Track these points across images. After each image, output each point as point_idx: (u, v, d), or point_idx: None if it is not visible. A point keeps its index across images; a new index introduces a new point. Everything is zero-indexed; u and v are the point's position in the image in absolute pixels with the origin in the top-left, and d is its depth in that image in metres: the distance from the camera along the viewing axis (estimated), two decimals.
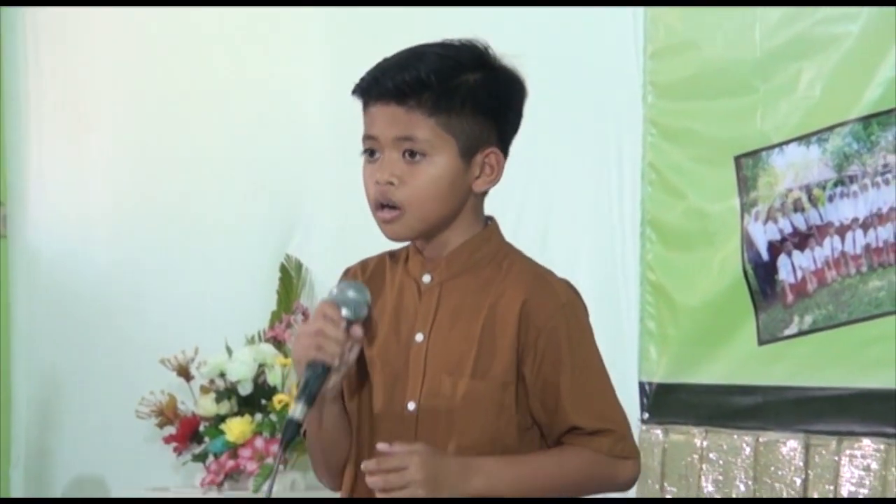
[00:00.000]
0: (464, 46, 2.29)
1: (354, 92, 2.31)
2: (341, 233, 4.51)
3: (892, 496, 3.47)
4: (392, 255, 2.38)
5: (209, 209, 4.80)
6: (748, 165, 3.73)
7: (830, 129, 3.60)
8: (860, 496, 3.51)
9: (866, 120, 3.56)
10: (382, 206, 2.27)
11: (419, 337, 2.31)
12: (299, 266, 4.60)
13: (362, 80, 2.29)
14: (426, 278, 2.33)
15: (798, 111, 3.65)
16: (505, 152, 2.32)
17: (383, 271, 2.37)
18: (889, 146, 3.53)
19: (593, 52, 4.02)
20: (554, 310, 2.26)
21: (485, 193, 2.34)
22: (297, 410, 2.20)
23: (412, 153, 2.25)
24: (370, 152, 2.30)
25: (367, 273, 2.39)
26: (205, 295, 4.77)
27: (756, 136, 3.71)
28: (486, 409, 2.26)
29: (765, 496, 3.65)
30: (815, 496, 3.58)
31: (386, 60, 2.29)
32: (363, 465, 2.20)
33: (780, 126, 3.68)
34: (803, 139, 3.65)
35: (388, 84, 2.25)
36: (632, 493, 2.74)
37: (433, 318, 2.30)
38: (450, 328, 2.29)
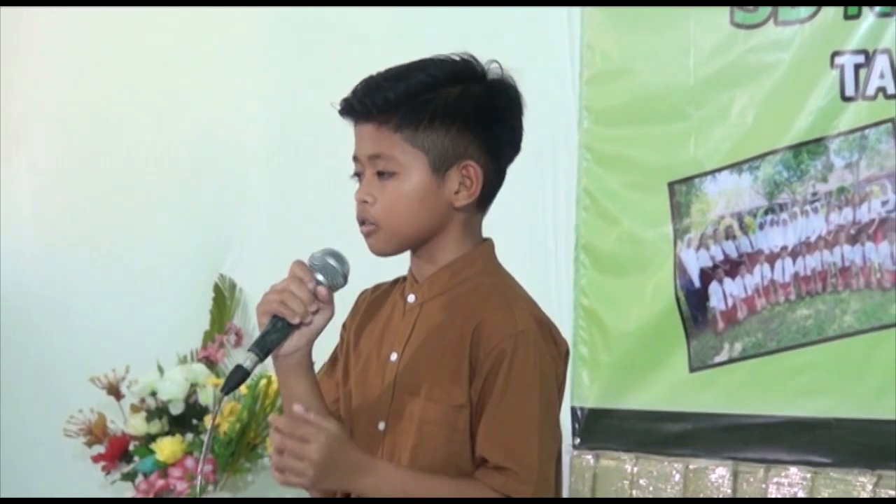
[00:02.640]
0: (447, 62, 2.29)
1: (340, 114, 2.31)
2: (276, 253, 4.47)
3: None
4: (402, 279, 2.39)
5: (142, 228, 4.77)
6: (681, 192, 3.75)
7: (762, 156, 3.64)
8: None
9: (797, 148, 3.59)
10: (362, 225, 2.29)
11: (394, 356, 2.31)
12: (233, 286, 4.57)
13: (342, 101, 2.30)
14: (411, 298, 2.33)
15: (730, 139, 3.68)
16: (495, 166, 2.31)
17: (388, 294, 2.39)
18: (818, 175, 3.57)
19: (529, 77, 4.01)
20: (505, 335, 2.21)
21: (478, 209, 2.33)
22: (247, 359, 2.18)
23: (382, 171, 2.26)
24: (356, 174, 2.32)
25: (376, 295, 2.42)
26: (137, 313, 4.74)
27: (689, 163, 3.74)
28: (440, 432, 2.23)
29: None
30: None
31: (364, 81, 2.29)
32: (270, 418, 2.21)
33: (712, 153, 3.70)
34: (735, 167, 3.67)
35: (357, 106, 2.27)
36: None
37: (408, 338, 2.30)
38: (418, 349, 2.28)
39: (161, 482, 4.27)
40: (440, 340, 2.26)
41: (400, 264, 2.39)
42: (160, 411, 4.35)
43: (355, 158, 2.30)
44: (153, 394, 4.35)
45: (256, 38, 4.58)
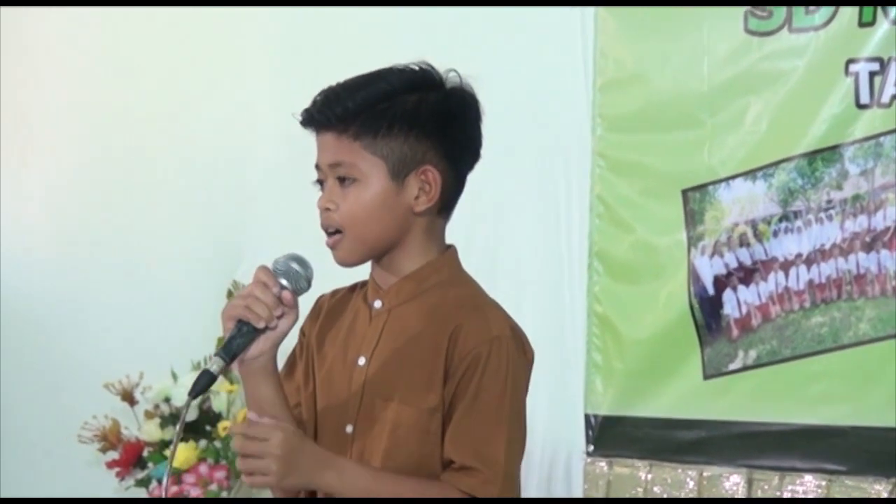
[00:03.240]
0: (403, 70, 2.32)
1: (301, 124, 2.35)
2: None
3: None
4: (361, 284, 2.43)
5: (156, 235, 4.78)
6: (695, 199, 3.75)
7: (776, 164, 3.63)
8: None
9: (811, 156, 3.58)
10: (327, 233, 2.32)
11: (361, 361, 2.33)
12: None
13: (302, 112, 2.34)
14: (377, 304, 2.36)
15: (744, 146, 3.67)
16: (454, 172, 2.34)
17: (348, 299, 2.42)
18: (833, 182, 3.56)
19: (543, 84, 4.03)
20: (480, 340, 2.26)
21: (440, 214, 2.35)
22: (213, 364, 2.21)
23: (343, 178, 2.30)
24: (319, 182, 2.35)
25: (335, 299, 2.45)
26: (151, 320, 4.74)
27: (703, 170, 3.73)
28: (411, 435, 2.27)
29: None
30: None
31: (323, 92, 2.34)
32: (230, 427, 2.25)
33: (726, 160, 3.70)
34: (749, 174, 3.67)
35: (317, 115, 2.31)
36: None
37: (376, 343, 2.33)
38: (389, 354, 2.31)
39: (175, 488, 4.28)
40: (413, 346, 2.30)
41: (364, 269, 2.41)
42: (174, 417, 4.35)
43: (317, 167, 2.34)
44: (167, 400, 4.36)
45: (270, 45, 4.59)
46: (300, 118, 2.33)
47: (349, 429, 2.32)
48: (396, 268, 2.35)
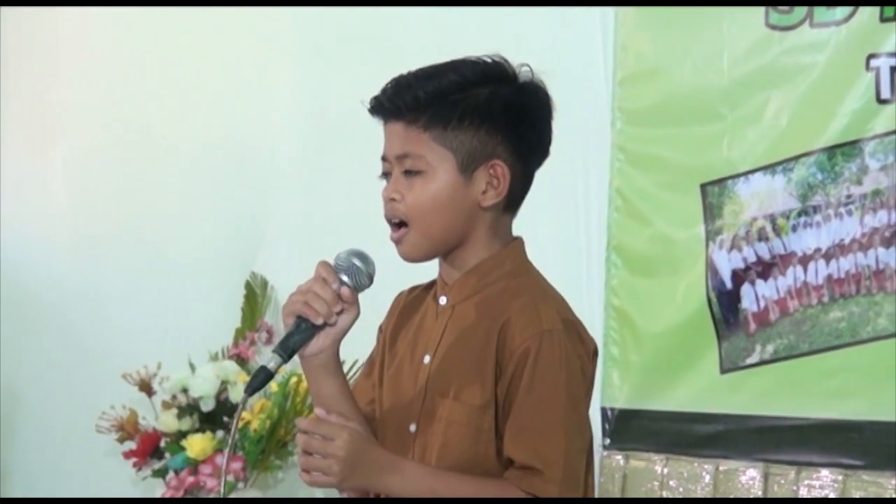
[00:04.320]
0: (476, 62, 2.29)
1: (370, 112, 2.32)
2: (307, 251, 4.48)
3: None
4: (432, 283, 2.40)
5: (175, 226, 4.79)
6: (714, 193, 3.74)
7: (796, 158, 3.62)
8: None
9: (831, 150, 3.57)
10: (392, 225, 2.29)
11: (426, 359, 2.31)
12: (265, 284, 4.58)
13: (371, 100, 2.30)
14: (442, 300, 2.33)
15: (764, 140, 3.66)
16: (523, 168, 2.31)
17: (424, 296, 2.40)
18: (853, 177, 3.55)
19: (563, 77, 4.00)
20: (531, 334, 2.21)
21: (506, 211, 2.32)
22: (271, 360, 2.19)
23: (410, 169, 2.26)
24: (385, 174, 2.32)
25: (412, 296, 2.43)
26: (169, 311, 4.75)
27: (722, 164, 3.73)
28: (465, 432, 2.23)
29: None
30: None
31: (393, 80, 2.30)
32: (297, 420, 2.23)
33: (746, 154, 3.69)
34: (769, 168, 3.66)
35: (387, 104, 2.27)
36: None
37: (439, 340, 2.30)
38: (449, 351, 2.28)
39: (191, 479, 4.29)
40: (469, 342, 2.27)
41: (427, 265, 2.38)
42: (191, 408, 4.37)
43: (384, 158, 2.30)
44: (184, 391, 4.37)
45: (288, 38, 4.60)
46: (369, 105, 2.29)
47: (412, 427, 2.29)
48: (461, 263, 2.31)
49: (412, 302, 2.41)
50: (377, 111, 2.29)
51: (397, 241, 2.28)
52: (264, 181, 4.63)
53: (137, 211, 4.87)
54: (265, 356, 4.50)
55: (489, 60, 2.29)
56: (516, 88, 2.30)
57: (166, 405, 4.40)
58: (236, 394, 4.35)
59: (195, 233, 4.75)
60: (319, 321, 2.20)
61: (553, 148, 4.02)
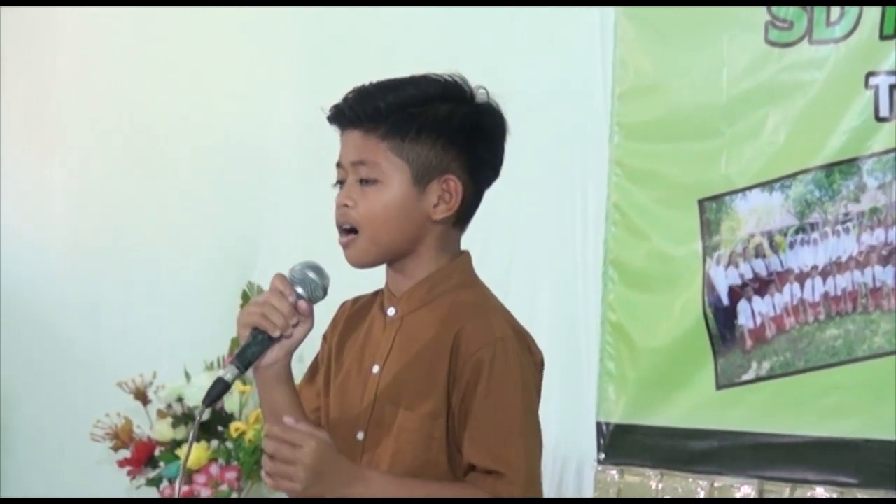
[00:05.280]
0: (438, 80, 2.33)
1: (329, 120, 2.36)
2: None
3: None
4: (377, 292, 2.43)
5: (172, 235, 4.79)
6: (711, 209, 3.75)
7: (793, 175, 3.62)
8: None
9: (829, 168, 3.58)
10: (341, 230, 2.32)
11: (375, 368, 2.34)
12: (261, 293, 4.57)
13: (331, 108, 2.35)
14: (391, 311, 2.37)
15: (762, 157, 3.67)
16: (475, 185, 2.34)
17: (369, 306, 2.43)
18: (850, 195, 3.55)
19: (561, 92, 4.03)
20: (484, 342, 2.26)
21: (455, 225, 2.35)
22: (228, 372, 2.21)
23: (365, 177, 2.30)
24: (339, 182, 2.35)
25: (357, 306, 2.46)
26: (165, 319, 4.75)
27: (720, 181, 3.73)
28: (416, 440, 2.27)
29: None
30: None
31: (354, 90, 2.35)
32: (264, 428, 2.24)
33: (743, 171, 3.69)
34: (766, 185, 3.66)
35: (348, 112, 2.32)
36: None
37: (389, 351, 2.34)
38: (398, 361, 2.32)
39: (186, 488, 4.28)
40: (420, 352, 2.30)
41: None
42: (186, 417, 4.36)
43: (339, 165, 2.35)
44: (179, 400, 4.36)
45: (289, 46, 4.60)
46: (328, 113, 2.34)
47: (360, 435, 2.33)
48: (409, 274, 2.35)
49: (358, 312, 2.45)
50: (336, 119, 2.34)
51: (345, 246, 2.32)
52: (262, 191, 4.63)
53: (135, 219, 4.87)
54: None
55: (449, 79, 2.33)
56: (474, 107, 2.34)
57: (161, 414, 4.40)
58: (231, 404, 4.35)
59: (192, 242, 4.74)
60: (276, 334, 2.23)
61: (551, 162, 4.05)
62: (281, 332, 2.23)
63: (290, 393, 2.32)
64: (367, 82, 2.34)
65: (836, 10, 3.57)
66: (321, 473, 2.18)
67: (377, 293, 2.43)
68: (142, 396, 4.45)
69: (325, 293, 2.28)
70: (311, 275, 2.26)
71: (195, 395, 4.33)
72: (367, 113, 2.29)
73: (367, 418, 2.32)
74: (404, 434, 2.27)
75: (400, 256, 2.34)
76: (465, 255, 2.39)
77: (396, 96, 2.30)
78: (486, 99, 2.36)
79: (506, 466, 2.23)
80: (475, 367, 2.24)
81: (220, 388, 2.21)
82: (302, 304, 2.24)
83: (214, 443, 4.32)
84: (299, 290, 2.25)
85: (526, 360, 2.29)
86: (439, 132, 2.30)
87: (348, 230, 2.32)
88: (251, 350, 2.23)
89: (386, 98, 2.29)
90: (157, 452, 4.39)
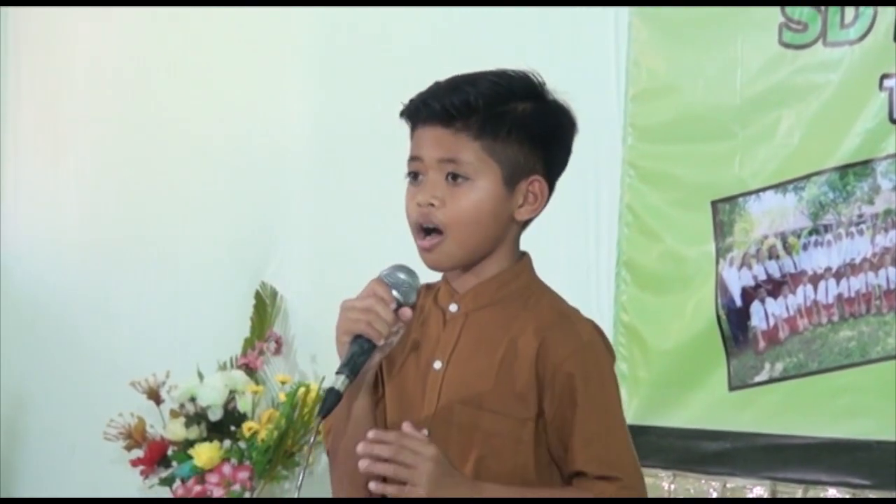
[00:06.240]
0: (517, 76, 2.28)
1: (402, 114, 2.29)
2: (317, 261, 4.51)
3: None
4: (429, 286, 2.36)
5: (185, 235, 4.79)
6: (725, 211, 3.75)
7: (807, 177, 3.63)
8: None
9: (843, 170, 3.58)
10: (423, 231, 2.26)
11: (437, 364, 2.29)
12: (274, 294, 4.59)
13: (411, 102, 2.28)
14: (453, 307, 2.31)
15: (776, 158, 3.67)
16: (551, 185, 2.31)
17: (423, 302, 2.35)
18: (864, 197, 3.55)
19: (575, 93, 4.01)
20: (573, 349, 2.22)
21: (525, 225, 2.32)
22: (338, 381, 2.16)
23: (455, 176, 2.24)
24: (414, 175, 2.28)
25: None
26: (178, 319, 4.75)
27: (733, 182, 3.73)
28: (508, 445, 2.23)
29: None
30: None
31: (436, 84, 2.28)
32: (370, 433, 2.17)
33: (757, 172, 3.69)
34: (780, 187, 3.66)
35: (435, 106, 2.24)
36: None
37: (453, 347, 2.28)
38: (468, 359, 2.27)
39: (198, 488, 4.29)
40: (494, 352, 2.26)
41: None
42: (199, 417, 4.37)
43: (417, 158, 2.27)
44: (192, 399, 4.37)
45: (300, 45, 4.60)
46: (405, 107, 2.27)
47: (424, 432, 2.24)
48: (477, 272, 2.29)
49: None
50: (416, 113, 2.26)
51: (428, 249, 2.26)
52: (275, 191, 4.63)
53: (148, 219, 4.88)
54: (274, 365, 4.53)
55: (522, 74, 2.29)
56: (551, 106, 2.31)
57: (174, 414, 4.40)
58: (244, 404, 4.36)
59: (205, 242, 4.75)
60: (381, 342, 2.19)
61: None
62: (385, 341, 2.19)
63: (371, 400, 2.28)
64: (439, 79, 2.27)
65: (850, 13, 3.57)
66: (439, 480, 2.15)
67: (427, 287, 2.35)
68: (155, 396, 4.45)
69: (418, 296, 2.24)
70: (404, 277, 2.21)
71: (208, 395, 4.34)
72: (456, 106, 2.21)
73: (432, 415, 2.26)
74: (494, 438, 2.23)
75: (480, 260, 2.28)
76: (528, 257, 2.35)
77: (483, 90, 2.23)
78: (555, 95, 2.32)
79: (619, 471, 2.21)
80: (568, 376, 2.21)
81: (333, 399, 2.15)
82: (405, 310, 2.20)
83: (227, 442, 4.33)
84: (395, 293, 2.20)
85: (612, 359, 2.29)
86: (527, 132, 2.25)
87: (431, 230, 2.25)
88: (360, 359, 2.18)
89: (473, 91, 2.22)
90: (169, 452, 4.40)
